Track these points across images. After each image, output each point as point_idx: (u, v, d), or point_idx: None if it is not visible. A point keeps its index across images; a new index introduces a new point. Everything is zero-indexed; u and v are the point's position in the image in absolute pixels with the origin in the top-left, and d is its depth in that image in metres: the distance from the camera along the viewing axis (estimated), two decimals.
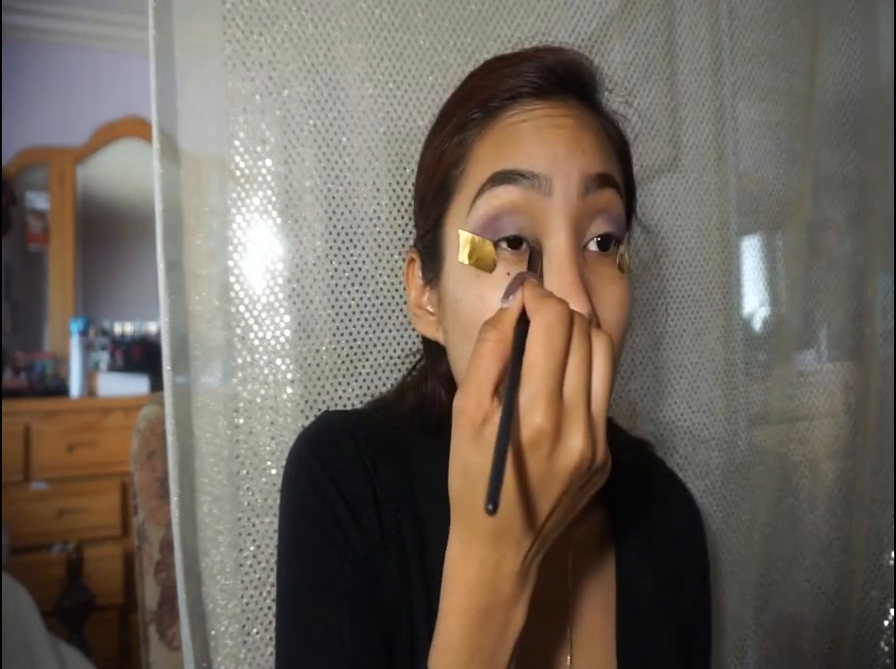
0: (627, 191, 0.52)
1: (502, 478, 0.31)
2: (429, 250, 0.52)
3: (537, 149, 0.45)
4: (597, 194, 0.45)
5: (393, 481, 0.52)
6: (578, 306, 0.41)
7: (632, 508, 0.59)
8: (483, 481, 0.33)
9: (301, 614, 0.48)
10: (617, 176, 0.48)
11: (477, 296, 0.45)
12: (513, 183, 0.44)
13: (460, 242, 0.46)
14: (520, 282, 0.40)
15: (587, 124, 0.47)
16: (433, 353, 0.55)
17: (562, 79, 0.48)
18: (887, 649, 0.95)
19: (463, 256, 0.46)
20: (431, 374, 0.57)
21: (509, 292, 0.41)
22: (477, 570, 0.38)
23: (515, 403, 0.35)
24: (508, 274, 0.44)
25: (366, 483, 0.51)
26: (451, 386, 0.54)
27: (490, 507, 0.30)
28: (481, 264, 0.45)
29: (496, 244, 0.45)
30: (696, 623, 0.62)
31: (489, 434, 0.36)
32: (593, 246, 0.46)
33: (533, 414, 0.35)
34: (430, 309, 0.53)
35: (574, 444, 0.36)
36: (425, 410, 0.56)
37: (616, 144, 0.51)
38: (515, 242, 0.45)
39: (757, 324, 0.96)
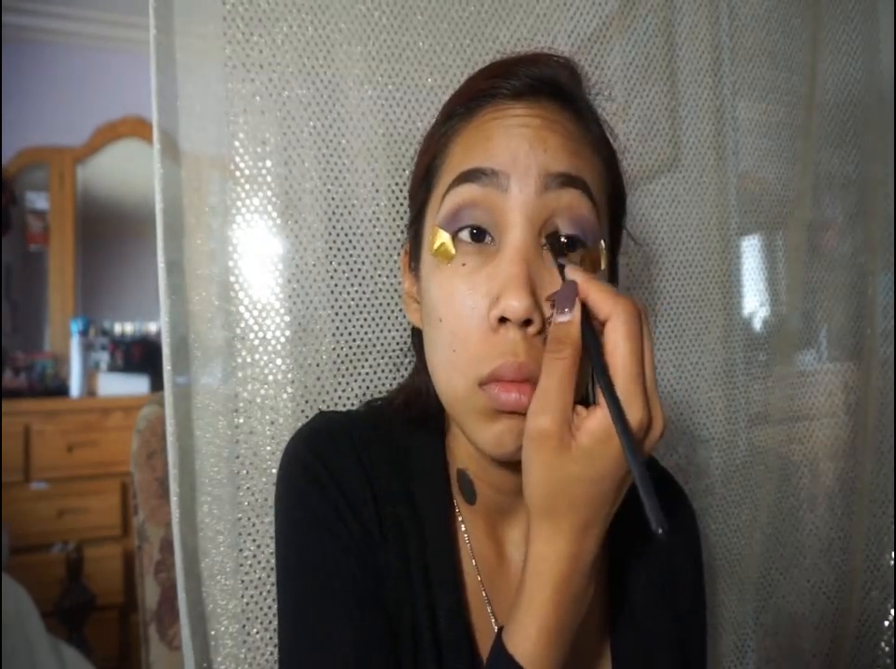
0: (614, 198, 0.52)
1: (655, 498, 0.33)
2: (414, 239, 0.54)
3: (499, 146, 0.46)
4: (558, 192, 0.45)
5: (391, 480, 0.52)
6: (516, 299, 0.42)
7: (630, 517, 0.59)
8: (580, 485, 0.38)
9: (307, 612, 0.47)
10: (590, 179, 0.47)
11: (437, 286, 0.47)
12: (474, 181, 0.46)
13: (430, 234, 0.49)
14: (574, 292, 0.41)
15: (559, 126, 0.48)
16: (419, 344, 0.56)
17: (541, 81, 0.49)
18: (887, 649, 0.95)
19: (430, 247, 0.48)
20: (420, 367, 0.57)
21: (563, 304, 0.41)
22: (569, 562, 0.40)
23: (625, 419, 0.37)
24: (464, 265, 0.46)
25: (365, 481, 0.51)
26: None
27: (660, 530, 0.32)
28: (441, 254, 0.47)
29: (456, 235, 0.47)
30: (692, 629, 0.61)
31: (584, 442, 0.38)
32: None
33: (633, 412, 0.38)
34: (417, 298, 0.54)
35: (657, 429, 0.40)
36: (415, 405, 0.56)
37: (597, 149, 0.50)
38: (478, 235, 0.46)
39: (758, 324, 0.96)
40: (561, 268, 0.43)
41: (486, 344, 0.44)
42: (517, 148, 0.46)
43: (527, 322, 0.43)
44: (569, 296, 0.41)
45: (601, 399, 0.38)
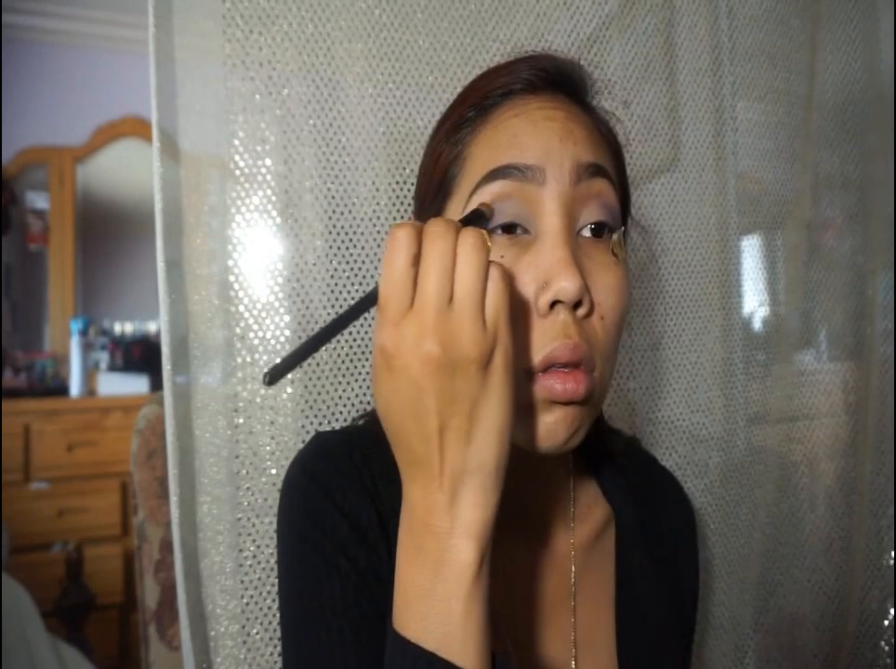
0: (621, 189, 0.52)
1: (300, 359, 0.33)
2: None
3: (530, 140, 0.46)
4: (589, 183, 0.46)
5: (395, 498, 0.50)
6: (567, 280, 0.42)
7: (632, 505, 0.59)
8: (411, 413, 0.36)
9: (309, 646, 0.46)
10: (610, 168, 0.48)
11: None
12: (507, 177, 0.45)
13: None
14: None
15: (579, 118, 0.48)
16: None
17: (553, 76, 0.49)
18: (887, 648, 0.95)
19: None
20: None
21: None
22: (408, 507, 0.38)
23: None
24: (502, 257, 0.45)
25: (370, 503, 0.49)
26: None
27: (266, 377, 0.32)
28: None
29: (491, 233, 0.45)
30: (691, 613, 0.62)
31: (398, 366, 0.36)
32: (587, 233, 0.47)
33: (375, 338, 0.36)
34: None
35: (412, 348, 0.35)
36: None
37: (609, 142, 0.52)
38: (510, 228, 0.46)
39: (757, 324, 0.96)
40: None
41: (535, 331, 0.44)
42: (548, 141, 0.46)
43: (576, 305, 0.43)
44: None
45: None
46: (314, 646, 0.46)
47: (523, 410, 0.44)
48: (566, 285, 0.42)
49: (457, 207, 0.48)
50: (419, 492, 0.38)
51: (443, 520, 0.37)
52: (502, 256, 0.45)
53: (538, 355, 0.43)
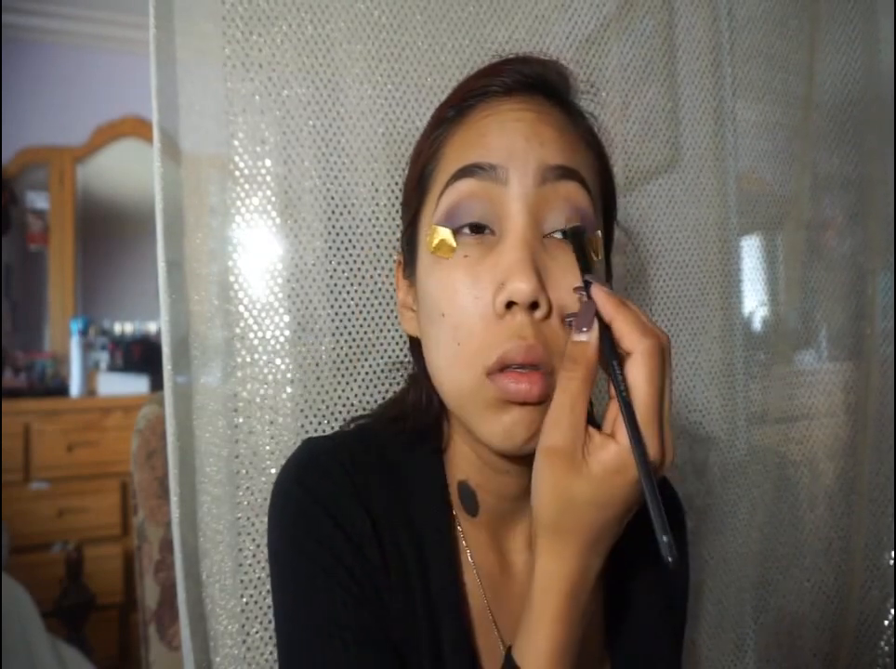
0: (605, 190, 0.52)
1: (670, 533, 0.35)
2: (408, 247, 0.54)
3: (496, 140, 0.47)
4: (556, 184, 0.46)
5: (388, 505, 0.51)
6: (522, 282, 0.42)
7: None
8: (587, 508, 0.38)
9: (313, 660, 0.46)
10: (584, 171, 0.48)
11: (437, 281, 0.47)
12: (472, 176, 0.46)
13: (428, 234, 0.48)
14: (593, 313, 0.41)
15: (551, 119, 0.48)
16: (418, 354, 0.55)
17: (529, 78, 0.49)
18: (886, 648, 0.96)
19: (429, 246, 0.48)
20: (419, 379, 0.56)
21: (581, 324, 0.41)
22: (576, 579, 0.40)
23: (643, 447, 0.38)
24: (466, 257, 0.46)
25: (363, 511, 0.49)
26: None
27: (670, 560, 0.34)
28: (442, 250, 0.47)
29: (458, 232, 0.46)
30: (681, 610, 0.62)
31: (595, 470, 0.38)
32: (557, 235, 0.47)
33: (648, 451, 0.38)
34: (413, 307, 0.54)
35: (666, 464, 0.40)
36: (410, 419, 0.55)
37: (589, 143, 0.51)
38: (478, 228, 0.46)
39: (756, 324, 0.96)
40: (587, 285, 0.42)
41: (493, 331, 0.44)
42: (513, 142, 0.46)
43: (533, 307, 0.43)
44: (587, 317, 0.40)
45: (618, 432, 0.38)
46: (318, 659, 0.45)
47: (484, 409, 0.45)
48: (520, 286, 0.42)
49: (431, 204, 0.49)
50: (596, 562, 0.42)
51: (598, 583, 0.42)
52: (466, 256, 0.46)
53: (494, 355, 0.44)
